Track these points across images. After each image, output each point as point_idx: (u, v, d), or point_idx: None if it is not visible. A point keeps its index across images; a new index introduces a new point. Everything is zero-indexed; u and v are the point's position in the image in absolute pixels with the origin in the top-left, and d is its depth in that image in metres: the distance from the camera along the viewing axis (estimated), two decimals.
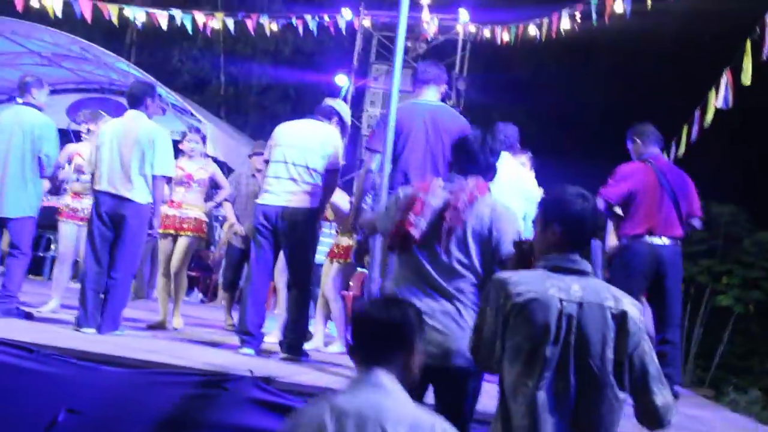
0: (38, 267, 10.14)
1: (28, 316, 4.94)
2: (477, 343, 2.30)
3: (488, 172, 2.89)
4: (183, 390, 3.28)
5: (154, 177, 4.80)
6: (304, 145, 4.58)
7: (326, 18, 11.31)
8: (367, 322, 1.98)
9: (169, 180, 5.00)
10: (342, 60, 14.30)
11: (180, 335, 5.29)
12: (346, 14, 11.82)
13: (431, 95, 4.14)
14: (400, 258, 2.81)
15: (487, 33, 11.23)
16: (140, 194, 4.77)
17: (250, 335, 4.47)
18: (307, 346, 4.76)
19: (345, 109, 5.00)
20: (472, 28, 11.73)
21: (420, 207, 2.73)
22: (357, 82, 13.25)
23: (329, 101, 5.00)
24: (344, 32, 11.33)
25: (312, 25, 11.14)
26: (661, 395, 2.10)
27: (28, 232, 5.03)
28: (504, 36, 10.74)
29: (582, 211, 2.24)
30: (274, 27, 10.81)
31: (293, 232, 4.50)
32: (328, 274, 5.53)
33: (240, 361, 3.98)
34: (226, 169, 12.87)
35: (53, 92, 14.09)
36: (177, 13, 9.91)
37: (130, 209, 4.73)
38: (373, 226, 3.18)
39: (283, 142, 4.64)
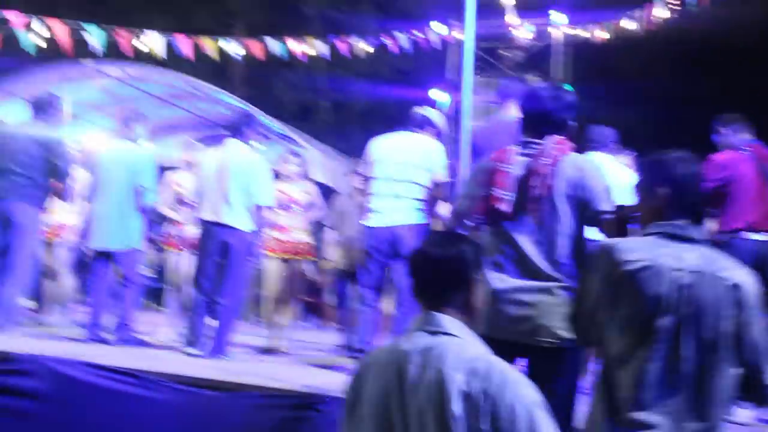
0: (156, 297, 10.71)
1: (144, 344, 5.17)
2: (576, 313, 2.26)
3: (564, 129, 2.76)
4: (278, 413, 3.32)
5: (257, 206, 4.94)
6: (406, 159, 4.49)
7: (418, 34, 11.29)
8: (423, 260, 1.87)
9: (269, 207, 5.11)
10: (440, 74, 14.26)
11: (289, 358, 5.36)
12: (435, 28, 11.75)
13: (513, 111, 3.96)
14: (491, 232, 2.70)
15: (583, 33, 10.85)
16: (243, 222, 4.91)
17: (361, 353, 4.47)
18: None
19: (437, 117, 4.87)
20: (567, 30, 11.37)
21: (503, 179, 2.64)
22: (455, 96, 13.16)
23: (419, 110, 4.87)
24: (439, 46, 11.26)
25: (404, 43, 11.14)
26: None
27: (135, 263, 5.25)
28: (601, 34, 10.34)
29: (690, 174, 2.13)
30: (368, 48, 10.91)
31: (405, 251, 4.38)
32: None
33: (339, 382, 3.97)
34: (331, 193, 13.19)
35: (172, 130, 15.00)
36: (270, 42, 10.19)
37: (235, 237, 4.87)
38: (458, 214, 2.99)
39: (382, 158, 4.56)
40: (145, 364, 3.98)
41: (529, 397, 1.66)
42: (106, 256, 5.23)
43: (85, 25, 9.27)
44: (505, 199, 2.61)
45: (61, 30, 8.74)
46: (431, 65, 16.21)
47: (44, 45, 9.37)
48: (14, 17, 8.66)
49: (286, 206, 5.90)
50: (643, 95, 14.84)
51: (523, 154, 2.67)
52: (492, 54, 13.96)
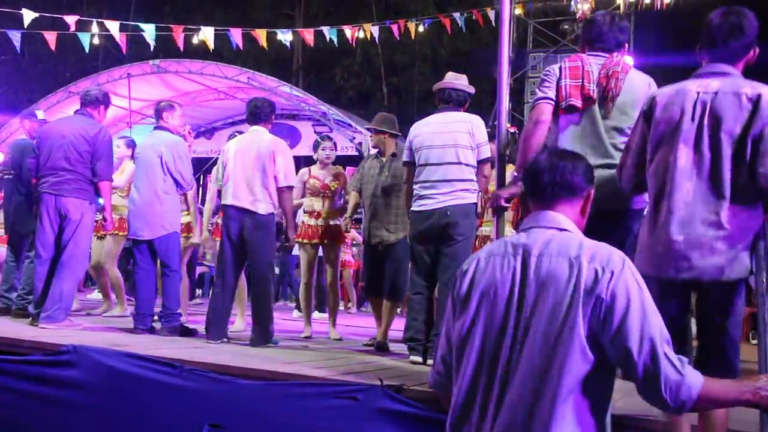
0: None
1: (192, 333, 5.18)
2: (624, 161, 2.72)
3: (619, 48, 3.19)
4: (316, 402, 3.21)
5: (278, 188, 4.87)
6: (452, 141, 4.36)
7: (474, 12, 10.99)
8: (549, 166, 2.05)
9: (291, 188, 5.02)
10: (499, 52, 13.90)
11: (333, 345, 5.29)
12: (497, 5, 11.44)
13: None
14: (569, 125, 3.08)
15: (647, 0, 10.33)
16: (263, 206, 4.84)
17: (417, 342, 4.34)
18: None
19: (466, 83, 4.62)
20: None
21: (588, 75, 3.07)
22: (514, 73, 12.81)
23: (457, 85, 4.54)
24: (494, 23, 10.91)
25: (460, 22, 10.87)
26: None
27: (173, 248, 5.25)
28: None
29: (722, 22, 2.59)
30: (421, 29, 10.70)
31: (453, 233, 4.29)
32: None
33: (373, 371, 3.84)
34: None
35: (232, 124, 15.24)
36: (325, 30, 10.12)
37: (254, 221, 4.83)
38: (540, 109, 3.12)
39: (427, 142, 4.43)
40: (186, 353, 3.95)
41: (641, 282, 1.84)
42: (146, 245, 5.25)
43: (141, 25, 9.42)
44: (592, 90, 3.05)
45: (116, 30, 8.86)
46: (492, 45, 15.84)
47: (99, 42, 9.61)
48: (72, 20, 8.85)
49: (318, 192, 5.83)
50: None
51: (596, 62, 3.13)
52: (554, 28, 13.53)
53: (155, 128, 5.50)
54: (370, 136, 6.20)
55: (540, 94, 3.15)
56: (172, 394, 3.46)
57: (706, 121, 2.48)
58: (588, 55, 3.18)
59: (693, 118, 2.50)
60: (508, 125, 5.51)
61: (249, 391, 3.37)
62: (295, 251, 8.33)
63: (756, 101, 2.42)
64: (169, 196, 5.25)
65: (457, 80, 4.59)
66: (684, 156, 2.48)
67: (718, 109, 2.46)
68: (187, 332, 5.16)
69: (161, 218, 5.19)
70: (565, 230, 1.98)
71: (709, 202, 2.42)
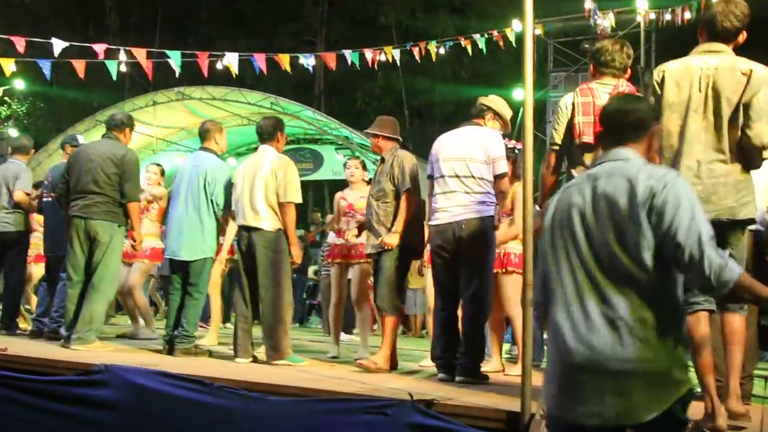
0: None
1: (208, 355, 5.19)
2: None
3: (625, 72, 3.66)
4: (345, 417, 3.20)
5: (279, 204, 4.88)
6: (466, 154, 4.37)
7: (494, 33, 11.05)
8: (615, 111, 2.32)
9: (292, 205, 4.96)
10: (520, 73, 13.96)
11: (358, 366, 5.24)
12: (516, 26, 11.48)
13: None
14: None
15: (667, 16, 10.32)
16: (267, 222, 4.86)
17: (443, 360, 4.32)
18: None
19: (498, 102, 4.67)
20: (651, 15, 10.85)
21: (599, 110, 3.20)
22: (536, 93, 12.83)
23: (482, 100, 4.68)
24: (514, 44, 10.98)
25: (481, 43, 10.94)
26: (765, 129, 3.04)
27: (205, 273, 5.25)
28: (685, 15, 9.79)
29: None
30: (441, 51, 10.79)
31: (471, 246, 4.28)
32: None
33: (402, 386, 3.83)
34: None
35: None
36: (346, 53, 10.23)
37: (259, 238, 4.85)
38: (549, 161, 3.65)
39: (444, 156, 4.45)
40: (216, 371, 3.99)
41: (692, 192, 2.09)
42: (179, 266, 5.26)
43: (167, 52, 9.60)
44: None
45: (142, 57, 9.03)
46: (513, 66, 15.96)
47: (126, 71, 9.80)
48: (101, 48, 9.05)
49: (345, 213, 5.86)
50: None
51: (603, 92, 3.51)
52: (574, 48, 13.56)
53: (201, 149, 5.49)
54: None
55: (550, 140, 3.70)
56: (202, 412, 3.48)
57: (710, 93, 3.10)
58: (597, 83, 3.60)
59: (700, 90, 3.12)
60: (515, 142, 5.52)
61: (278, 407, 3.37)
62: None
63: (749, 75, 3.07)
64: (210, 220, 5.25)
65: (493, 100, 4.65)
66: (694, 122, 3.12)
67: (719, 82, 3.09)
68: (202, 354, 5.16)
69: (202, 241, 5.20)
70: (630, 160, 2.22)
71: (715, 157, 3.06)
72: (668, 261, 2.04)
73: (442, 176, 4.41)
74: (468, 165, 4.34)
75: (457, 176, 4.35)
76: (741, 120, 3.05)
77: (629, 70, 3.70)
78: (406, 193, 4.72)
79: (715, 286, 1.98)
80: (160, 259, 6.67)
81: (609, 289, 2.06)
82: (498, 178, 4.37)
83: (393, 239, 4.67)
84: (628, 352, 1.98)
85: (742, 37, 3.23)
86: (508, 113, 4.68)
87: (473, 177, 4.33)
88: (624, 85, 3.57)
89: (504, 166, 4.38)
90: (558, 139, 3.57)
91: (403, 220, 4.70)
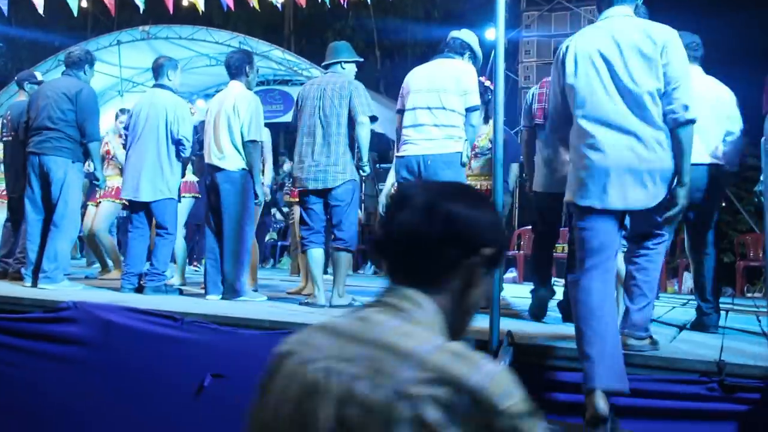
0: None
1: (178, 293, 5.17)
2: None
3: None
4: None
5: (244, 143, 4.80)
6: (439, 86, 4.30)
7: None
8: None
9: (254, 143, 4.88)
10: (492, 13, 13.76)
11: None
12: None
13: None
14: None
15: None
16: (231, 162, 4.80)
17: None
18: None
19: (474, 39, 4.61)
20: None
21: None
22: (508, 33, 12.68)
23: (455, 33, 4.59)
24: None
25: None
26: None
27: (170, 212, 5.16)
28: None
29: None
30: None
31: (439, 180, 4.25)
32: None
33: None
34: (386, 140, 13.04)
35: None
36: None
37: (222, 177, 4.79)
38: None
39: (415, 88, 4.38)
40: (186, 306, 3.97)
41: None
42: (141, 207, 5.17)
43: None
44: None
45: None
46: (485, 4, 15.71)
47: (87, 7, 9.45)
48: None
49: None
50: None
51: None
52: None
53: (155, 86, 5.34)
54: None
55: (522, 122, 4.63)
56: (173, 346, 3.48)
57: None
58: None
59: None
60: (483, 79, 5.47)
61: (250, 340, 3.39)
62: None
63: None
64: (173, 161, 5.15)
65: (464, 33, 4.56)
66: None
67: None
68: (172, 292, 5.12)
69: (165, 182, 5.10)
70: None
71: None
72: None
73: (413, 108, 4.35)
74: (440, 96, 4.28)
75: (429, 108, 4.29)
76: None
77: None
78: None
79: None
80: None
81: None
82: (469, 111, 4.32)
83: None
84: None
85: None
86: (480, 53, 4.63)
87: (444, 109, 4.27)
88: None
89: (476, 99, 4.33)
90: (527, 122, 4.51)
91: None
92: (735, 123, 4.07)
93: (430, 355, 1.10)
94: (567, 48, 2.91)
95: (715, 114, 3.94)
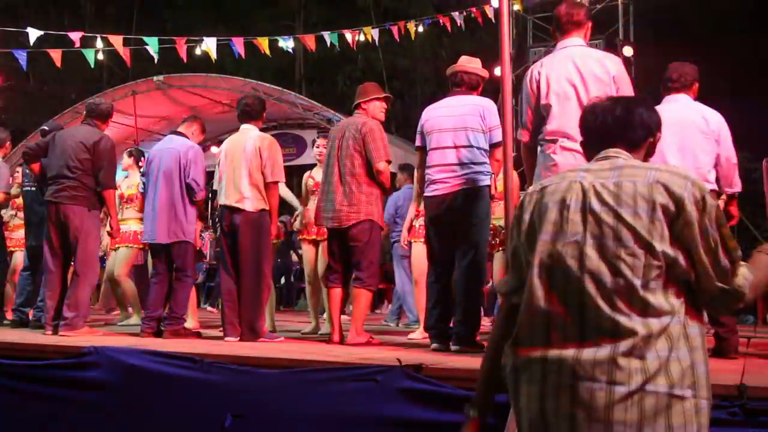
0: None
1: (196, 336, 5.22)
2: None
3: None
4: (335, 386, 3.23)
5: (266, 184, 4.89)
6: (464, 124, 4.37)
7: (473, 10, 11.02)
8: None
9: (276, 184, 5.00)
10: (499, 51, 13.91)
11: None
12: (494, 2, 11.45)
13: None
14: None
15: None
16: (250, 202, 4.87)
17: (437, 329, 4.34)
18: None
19: (483, 71, 4.64)
20: None
21: None
22: (516, 68, 12.81)
23: (468, 68, 4.56)
24: (493, 20, 10.94)
25: (459, 20, 10.91)
26: None
27: (188, 255, 5.26)
28: None
29: None
30: (420, 29, 10.75)
31: (468, 217, 4.29)
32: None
33: (390, 356, 3.86)
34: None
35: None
36: (325, 35, 10.19)
37: (242, 218, 4.85)
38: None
39: (438, 127, 4.43)
40: (205, 348, 4.00)
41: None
42: (159, 250, 5.26)
43: (145, 38, 9.51)
44: None
45: (119, 44, 8.95)
46: (492, 44, 15.87)
47: (103, 59, 9.70)
48: (77, 36, 8.95)
49: (315, 191, 5.88)
50: (718, 53, 13.96)
51: None
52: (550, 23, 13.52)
53: (171, 133, 5.51)
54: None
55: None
56: (194, 388, 3.50)
57: None
58: None
59: None
60: None
61: (269, 379, 3.40)
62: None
63: None
64: (188, 203, 5.25)
65: (470, 63, 4.62)
66: None
67: None
68: (191, 336, 5.17)
69: (181, 225, 5.19)
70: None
71: None
72: None
73: (438, 147, 4.41)
74: (468, 135, 4.35)
75: (456, 147, 4.36)
76: None
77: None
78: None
79: None
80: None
81: None
82: (494, 146, 4.37)
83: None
84: None
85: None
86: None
87: (472, 147, 4.34)
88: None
89: (500, 135, 4.32)
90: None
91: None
92: (726, 145, 4.10)
93: (660, 167, 1.77)
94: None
95: (703, 138, 4.01)
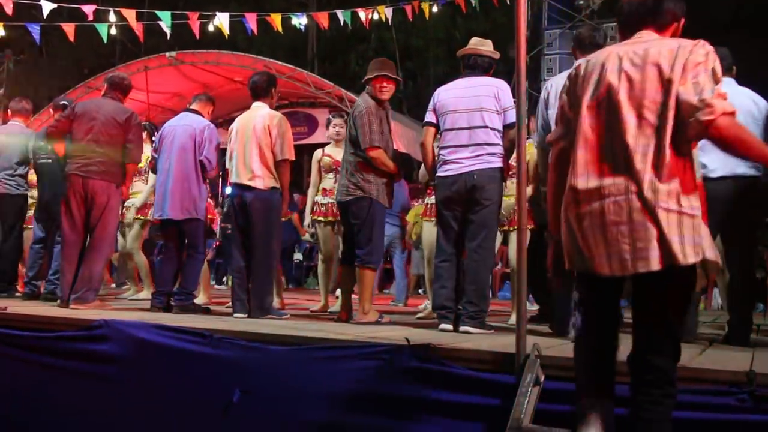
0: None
1: (206, 311, 5.24)
2: None
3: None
4: (343, 364, 3.24)
5: (275, 162, 4.89)
6: (479, 105, 4.35)
7: None
8: None
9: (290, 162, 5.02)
10: (514, 32, 13.79)
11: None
12: None
13: None
14: None
15: None
16: (261, 181, 4.87)
17: (446, 309, 4.35)
18: None
19: (495, 52, 4.62)
20: None
21: None
22: (530, 51, 12.69)
23: (481, 50, 4.54)
24: (508, 2, 10.82)
25: (474, 1, 10.80)
26: None
27: (200, 232, 5.28)
28: None
29: None
30: (435, 9, 10.65)
31: (480, 198, 4.28)
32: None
33: (399, 335, 3.87)
34: (411, 162, 13.09)
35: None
36: (339, 13, 10.11)
37: (252, 196, 4.86)
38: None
39: (453, 108, 4.42)
40: (215, 324, 4.02)
41: None
42: (171, 226, 5.27)
43: (158, 13, 9.48)
44: None
45: (132, 18, 8.93)
46: (509, 25, 15.77)
47: (116, 34, 9.68)
48: (90, 9, 8.93)
49: (331, 169, 5.87)
50: (734, 36, 13.81)
51: None
52: (569, 4, 13.39)
53: (185, 110, 5.50)
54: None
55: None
56: (203, 363, 3.52)
57: None
58: None
59: None
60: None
61: (278, 356, 3.41)
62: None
63: None
64: (201, 181, 5.27)
65: (482, 46, 4.59)
66: None
67: None
68: (201, 311, 5.19)
69: (194, 201, 5.21)
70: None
71: None
72: None
73: (453, 128, 4.41)
74: (483, 115, 4.34)
75: (471, 128, 4.35)
76: None
77: None
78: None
79: None
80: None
81: None
82: (507, 127, 4.36)
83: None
84: None
85: None
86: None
87: (487, 127, 4.33)
88: None
89: (513, 116, 4.33)
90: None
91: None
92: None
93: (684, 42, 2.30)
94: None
95: (754, 124, 3.89)
